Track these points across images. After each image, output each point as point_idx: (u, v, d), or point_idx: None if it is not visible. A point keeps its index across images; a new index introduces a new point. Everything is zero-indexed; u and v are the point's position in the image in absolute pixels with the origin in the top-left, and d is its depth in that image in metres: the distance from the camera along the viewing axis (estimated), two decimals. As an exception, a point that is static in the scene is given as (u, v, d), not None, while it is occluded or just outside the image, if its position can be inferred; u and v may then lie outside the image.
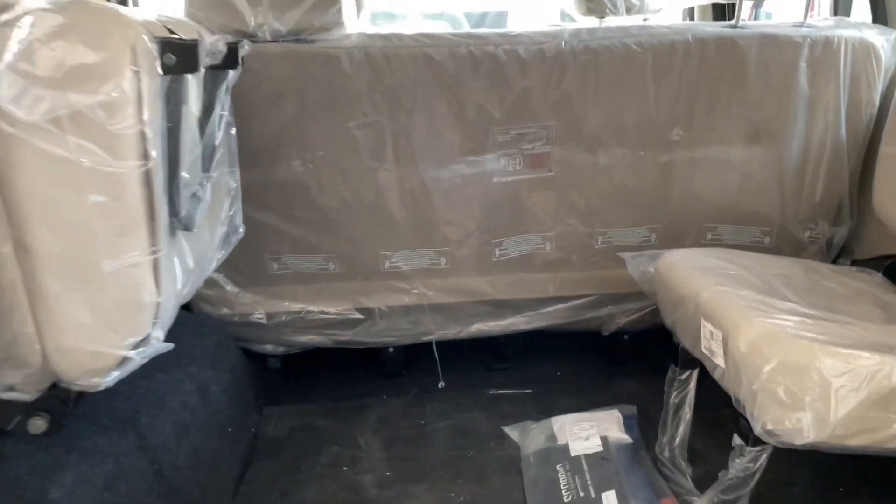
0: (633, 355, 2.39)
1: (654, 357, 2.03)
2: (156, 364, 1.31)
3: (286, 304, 2.12)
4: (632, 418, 1.97)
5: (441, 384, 2.23)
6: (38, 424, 1.21)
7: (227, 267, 2.03)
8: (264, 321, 2.13)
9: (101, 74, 1.07)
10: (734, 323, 1.44)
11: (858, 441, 1.29)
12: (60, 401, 1.22)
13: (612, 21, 2.36)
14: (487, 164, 2.03)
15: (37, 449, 1.23)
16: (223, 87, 1.50)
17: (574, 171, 2.07)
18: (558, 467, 1.76)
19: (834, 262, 2.21)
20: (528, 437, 1.96)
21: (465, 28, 9.07)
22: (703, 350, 1.56)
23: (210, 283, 2.10)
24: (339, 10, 1.85)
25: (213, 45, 1.27)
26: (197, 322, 2.04)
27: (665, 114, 2.03)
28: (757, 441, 1.41)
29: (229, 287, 2.11)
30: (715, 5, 2.78)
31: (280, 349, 2.27)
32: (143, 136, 1.11)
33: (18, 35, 1.03)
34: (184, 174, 1.25)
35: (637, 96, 2.01)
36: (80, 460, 1.26)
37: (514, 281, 2.17)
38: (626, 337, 2.35)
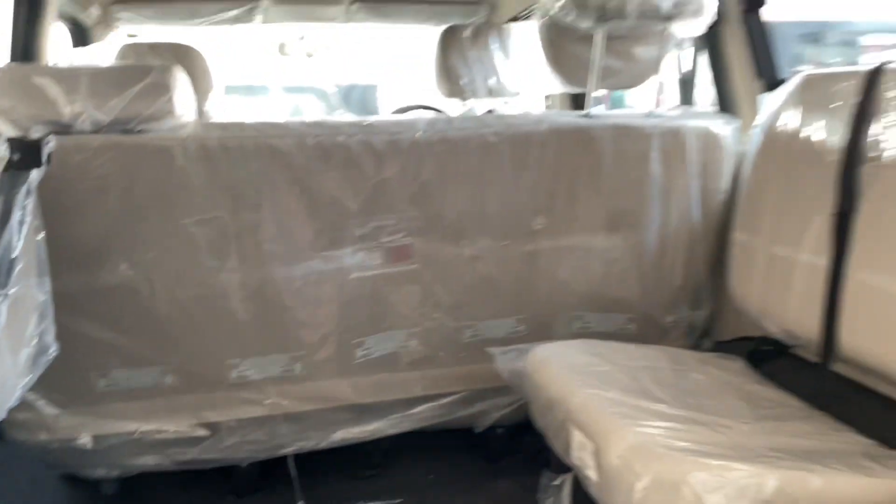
0: (509, 450, 2.28)
1: (531, 450, 1.93)
2: None
3: (116, 424, 1.85)
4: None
5: (299, 503, 2.01)
6: None
7: (42, 386, 1.74)
8: (90, 445, 1.84)
9: None
10: (605, 434, 1.36)
11: (736, 560, 1.22)
12: None
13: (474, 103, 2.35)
14: (344, 259, 1.90)
15: None
16: (23, 190, 1.29)
17: (438, 263, 1.97)
18: None
19: (697, 344, 2.22)
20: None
21: (333, 102, 9.04)
22: (575, 461, 1.46)
23: (23, 405, 1.80)
24: (171, 99, 1.68)
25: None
26: (6, 454, 1.74)
27: (526, 203, 1.99)
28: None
29: (47, 409, 1.81)
30: (570, 96, 2.85)
31: (115, 472, 1.98)
32: None
33: None
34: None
35: (497, 186, 1.95)
36: None
37: (379, 382, 2.02)
38: (500, 431, 2.24)
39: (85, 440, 1.84)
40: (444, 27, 3.09)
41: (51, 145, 1.28)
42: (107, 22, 3.45)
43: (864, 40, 6.88)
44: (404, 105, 4.05)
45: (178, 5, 3.49)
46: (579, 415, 1.46)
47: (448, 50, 3.02)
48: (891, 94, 1.50)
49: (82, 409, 1.84)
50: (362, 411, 2.03)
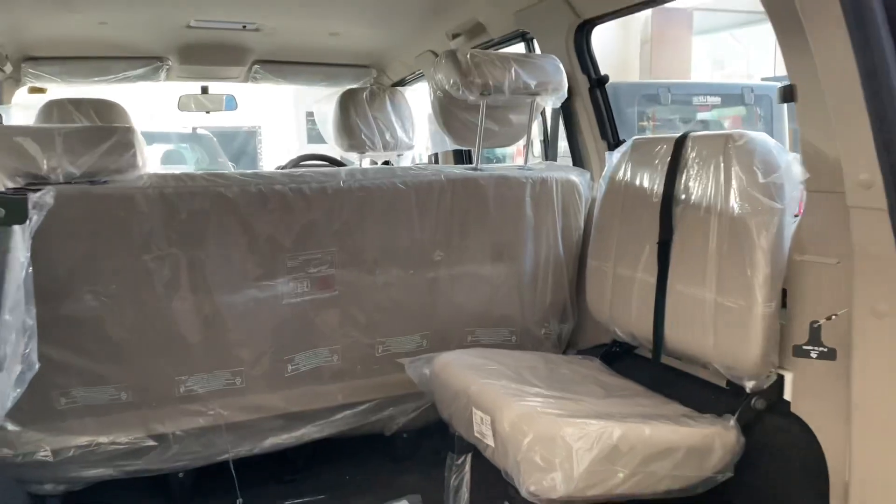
0: (413, 452, 2.66)
1: (431, 452, 2.32)
2: None
3: (74, 438, 2.08)
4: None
5: (239, 500, 2.30)
6: None
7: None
8: (50, 458, 2.06)
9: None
10: (498, 409, 1.79)
11: (595, 492, 1.68)
12: None
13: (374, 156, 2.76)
14: (278, 287, 2.25)
15: None
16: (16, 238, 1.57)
17: (355, 289, 2.37)
18: (361, 559, 1.94)
19: (565, 351, 2.73)
20: (328, 538, 2.11)
21: (209, 148, 9.14)
22: (476, 434, 1.89)
23: (-13, 425, 2.00)
24: (135, 154, 2.01)
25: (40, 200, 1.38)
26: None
27: (428, 238, 2.43)
28: (524, 501, 1.74)
29: (10, 426, 2.02)
30: (456, 151, 3.36)
31: (61, 488, 2.19)
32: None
33: None
34: (6, 317, 1.32)
35: (404, 225, 2.39)
36: None
37: (306, 393, 2.36)
38: (405, 436, 2.63)
39: (45, 453, 2.05)
40: (340, 88, 3.53)
41: (34, 199, 1.56)
42: (16, 78, 3.62)
43: (696, 99, 8.02)
44: (302, 154, 4.41)
45: (87, 63, 3.70)
46: (478, 398, 1.89)
47: (347, 109, 3.45)
48: (691, 154, 2.08)
49: (43, 426, 2.06)
50: (291, 419, 2.35)
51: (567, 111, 2.81)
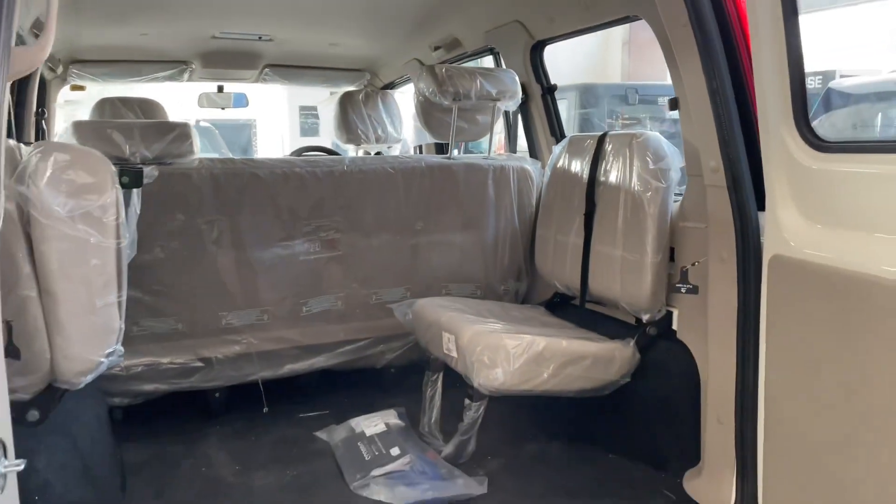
0: (399, 383, 3.34)
1: (413, 385, 2.98)
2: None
3: (141, 358, 2.74)
4: (403, 413, 2.90)
5: (265, 409, 2.98)
6: (33, 415, 1.82)
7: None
8: (123, 373, 2.71)
9: (97, 189, 1.82)
10: (460, 329, 2.49)
11: (526, 386, 2.38)
12: (51, 398, 1.84)
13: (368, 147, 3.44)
14: (296, 247, 2.94)
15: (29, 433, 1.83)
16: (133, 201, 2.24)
17: (355, 250, 3.05)
18: (359, 444, 2.63)
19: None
20: (334, 435, 2.79)
21: (219, 139, 9.79)
22: (444, 351, 2.58)
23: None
24: (192, 143, 2.68)
25: (149, 172, 2.05)
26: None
27: (411, 212, 3.11)
28: (477, 396, 2.43)
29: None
30: (436, 144, 4.04)
31: (126, 400, 2.84)
32: (118, 225, 1.87)
33: (48, 165, 1.76)
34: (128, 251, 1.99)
35: (393, 201, 3.07)
36: (57, 441, 1.88)
37: (316, 330, 3.04)
38: (392, 370, 3.31)
39: (119, 370, 2.70)
40: (338, 89, 4.19)
41: (147, 171, 2.21)
42: (63, 77, 4.26)
43: (660, 100, 8.73)
44: (303, 146, 5.07)
45: (125, 66, 4.35)
46: (447, 324, 2.58)
47: (346, 108, 4.13)
48: (609, 148, 2.76)
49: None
50: (305, 350, 3.03)
51: (523, 112, 3.50)
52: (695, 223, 2.47)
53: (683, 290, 2.44)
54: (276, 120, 14.58)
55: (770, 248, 1.86)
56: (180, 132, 2.66)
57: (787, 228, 1.81)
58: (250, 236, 2.83)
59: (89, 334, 1.82)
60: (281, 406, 3.09)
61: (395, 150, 4.41)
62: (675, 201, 2.57)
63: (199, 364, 2.85)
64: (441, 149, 4.12)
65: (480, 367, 2.35)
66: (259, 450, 2.73)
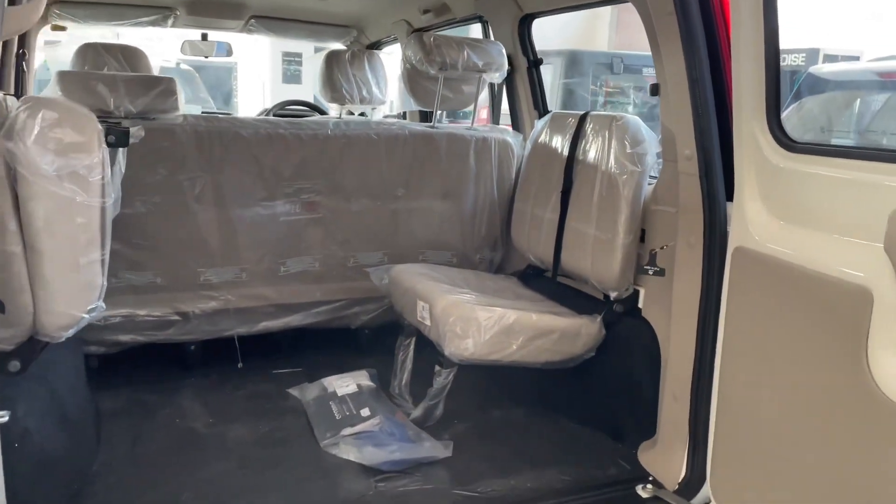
0: (372, 344, 3.42)
1: (386, 347, 3.06)
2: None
3: (119, 309, 2.79)
4: (374, 375, 2.99)
5: (239, 364, 3.05)
6: (14, 365, 1.87)
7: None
8: (100, 323, 2.76)
9: (85, 148, 1.84)
10: (435, 298, 2.56)
11: (495, 357, 2.47)
12: (32, 350, 1.89)
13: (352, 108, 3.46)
14: (277, 207, 2.97)
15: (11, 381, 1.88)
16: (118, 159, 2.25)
17: (335, 213, 3.09)
18: (330, 403, 2.71)
19: (495, 274, 3.50)
20: (306, 392, 2.87)
21: (200, 83, 9.66)
22: (418, 318, 2.66)
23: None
24: (176, 99, 2.68)
25: (135, 132, 2.07)
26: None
27: (392, 178, 3.15)
28: (447, 364, 2.53)
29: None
30: (420, 111, 4.06)
31: (101, 349, 2.89)
32: (104, 185, 1.89)
33: (36, 122, 1.77)
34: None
35: (375, 166, 3.11)
36: (36, 390, 1.93)
37: (294, 290, 3.10)
38: (366, 331, 3.38)
39: (98, 319, 2.74)
40: (324, 45, 4.15)
41: (133, 130, 2.22)
42: (45, 17, 4.17)
43: (645, 70, 8.73)
44: (284, 100, 5.03)
45: (107, 8, 4.26)
46: (422, 293, 2.65)
47: (332, 66, 4.11)
48: (589, 128, 2.82)
49: (98, 298, 2.77)
50: (281, 309, 3.09)
51: (508, 85, 3.53)
52: (666, 207, 2.54)
53: (651, 272, 2.53)
54: (258, 65, 14.31)
55: (735, 240, 1.95)
56: (165, 87, 2.66)
57: (752, 222, 1.90)
58: (232, 194, 2.86)
59: (72, 291, 1.86)
60: (255, 362, 3.16)
61: (380, 113, 4.41)
62: (650, 184, 2.64)
63: (176, 318, 2.90)
64: (425, 116, 4.13)
65: (452, 336, 2.43)
66: (233, 403, 2.81)
